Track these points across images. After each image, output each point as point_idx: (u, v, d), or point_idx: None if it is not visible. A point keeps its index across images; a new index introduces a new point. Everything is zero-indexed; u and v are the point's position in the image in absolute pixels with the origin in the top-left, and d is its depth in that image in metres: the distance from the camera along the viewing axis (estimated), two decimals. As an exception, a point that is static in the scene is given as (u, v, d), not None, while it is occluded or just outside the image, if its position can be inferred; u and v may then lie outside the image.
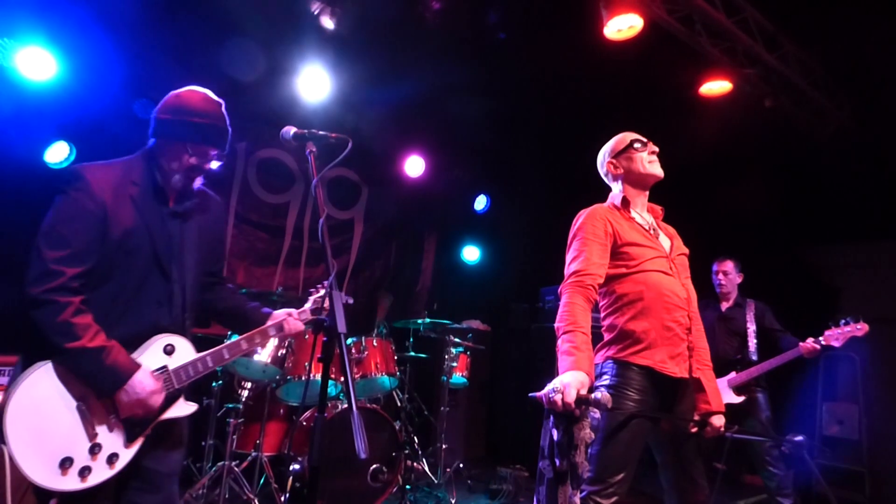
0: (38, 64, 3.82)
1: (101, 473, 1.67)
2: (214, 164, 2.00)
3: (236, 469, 3.55)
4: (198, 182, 1.99)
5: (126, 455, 1.72)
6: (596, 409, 1.74)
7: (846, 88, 5.07)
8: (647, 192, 2.39)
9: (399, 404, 4.64)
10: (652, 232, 2.30)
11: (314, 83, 4.78)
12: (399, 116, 5.41)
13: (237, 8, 4.07)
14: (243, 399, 3.82)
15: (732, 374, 3.84)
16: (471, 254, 6.86)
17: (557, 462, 1.71)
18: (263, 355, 3.65)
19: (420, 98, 5.05)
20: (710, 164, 5.47)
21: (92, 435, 1.67)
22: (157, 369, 1.81)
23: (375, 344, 4.05)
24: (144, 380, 1.73)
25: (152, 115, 1.96)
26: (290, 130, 1.88)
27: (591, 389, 1.84)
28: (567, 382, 1.74)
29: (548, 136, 5.92)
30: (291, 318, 2.16)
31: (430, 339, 5.02)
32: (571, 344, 1.90)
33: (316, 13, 4.25)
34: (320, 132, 1.87)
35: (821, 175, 5.32)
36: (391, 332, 4.61)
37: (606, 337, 2.22)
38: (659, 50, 4.22)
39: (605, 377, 2.15)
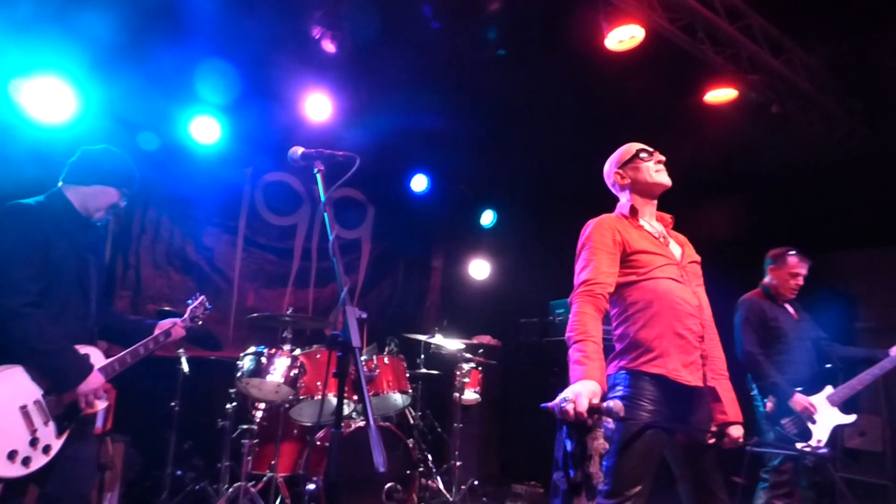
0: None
1: (40, 460, 2.04)
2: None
3: (252, 490, 3.53)
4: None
5: (57, 444, 2.10)
6: (609, 419, 1.72)
7: (855, 92, 5.04)
8: (656, 201, 2.38)
9: (412, 422, 4.60)
10: (662, 240, 2.28)
11: (317, 106, 4.85)
12: (402, 135, 5.46)
13: (240, 35, 4.16)
14: (257, 420, 3.81)
15: (830, 389, 3.34)
16: (479, 269, 6.84)
17: (572, 473, 1.69)
18: (276, 376, 3.65)
19: (423, 115, 5.09)
20: (718, 173, 5.46)
21: (32, 430, 2.03)
22: None
23: (387, 361, 4.04)
24: (97, 374, 2.17)
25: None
26: (298, 151, 1.92)
27: (604, 398, 1.82)
28: (578, 392, 1.73)
29: (553, 150, 5.93)
30: (177, 326, 2.58)
31: (441, 356, 5.00)
32: (582, 353, 1.89)
33: (317, 38, 4.32)
34: (327, 151, 1.90)
35: (832, 180, 5.28)
36: (402, 349, 4.60)
37: (618, 347, 2.19)
38: (662, 59, 4.24)
39: (618, 388, 2.12)
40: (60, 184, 2.29)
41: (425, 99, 4.92)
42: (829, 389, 3.34)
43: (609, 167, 2.45)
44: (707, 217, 4.94)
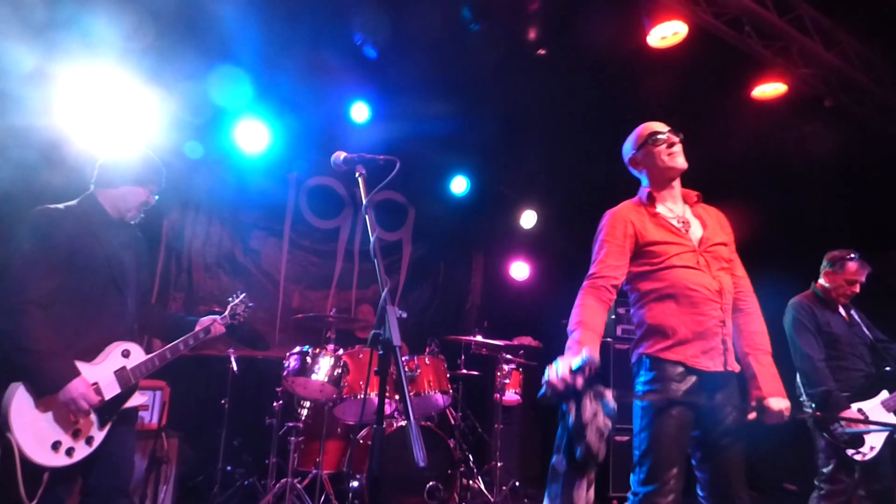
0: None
1: (83, 451, 2.11)
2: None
3: (298, 486, 3.62)
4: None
5: (100, 436, 2.16)
6: (610, 397, 1.70)
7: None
8: (676, 182, 2.31)
9: (453, 422, 4.63)
10: (680, 224, 2.23)
11: (359, 111, 4.95)
12: (443, 137, 5.50)
13: (283, 43, 4.27)
14: (303, 418, 3.91)
15: (885, 394, 3.18)
16: (520, 270, 6.82)
17: (578, 451, 1.66)
18: (321, 375, 3.74)
19: (463, 118, 5.12)
20: (768, 169, 5.28)
21: (73, 422, 2.10)
22: (118, 369, 2.24)
23: (428, 362, 4.08)
24: (80, 382, 2.11)
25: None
26: (341, 156, 1.97)
27: (598, 379, 1.80)
28: (556, 363, 1.79)
29: (594, 150, 5.86)
30: (216, 323, 2.60)
31: (481, 357, 5.01)
32: (574, 339, 1.96)
33: (359, 44, 4.40)
34: (368, 155, 1.95)
35: (890, 175, 5.03)
36: (443, 350, 4.64)
37: (638, 333, 2.21)
38: (707, 55, 4.14)
39: (641, 374, 2.13)
40: (92, 187, 2.36)
41: (465, 101, 4.94)
42: (884, 394, 3.18)
43: (626, 151, 2.40)
44: (758, 214, 4.78)
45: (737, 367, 2.12)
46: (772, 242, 5.55)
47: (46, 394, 2.06)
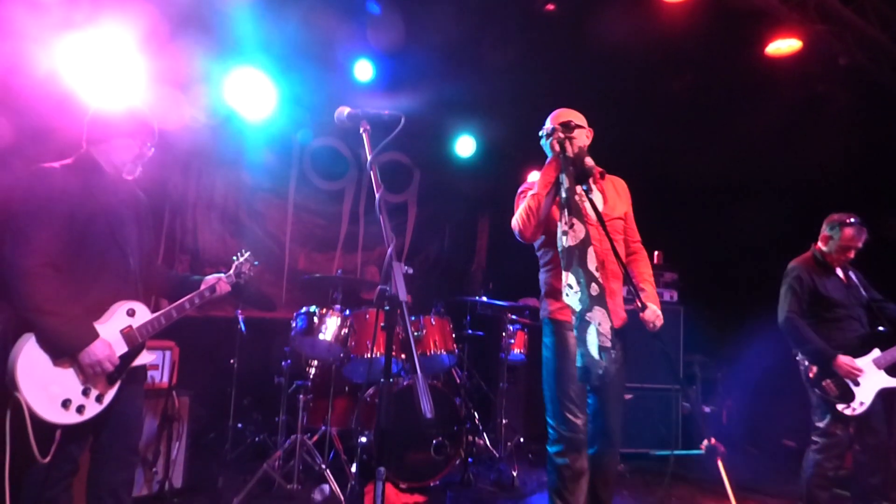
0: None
1: (94, 409, 2.11)
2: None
3: (308, 442, 3.71)
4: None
5: (109, 394, 2.16)
6: None
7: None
8: (579, 165, 2.50)
9: (458, 381, 4.70)
10: (579, 199, 2.46)
11: (364, 70, 4.86)
12: (448, 97, 5.41)
13: (288, 2, 4.16)
14: (311, 377, 3.98)
15: (877, 352, 3.23)
16: (525, 232, 6.79)
17: None
18: (328, 335, 3.78)
19: (469, 78, 5.02)
20: (780, 128, 5.18)
21: (83, 381, 2.09)
22: (124, 328, 2.22)
23: (433, 322, 4.12)
24: (101, 343, 2.11)
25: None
26: (345, 111, 1.94)
27: None
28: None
29: (602, 109, 5.76)
30: (221, 281, 2.58)
31: (486, 318, 5.05)
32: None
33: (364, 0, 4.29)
34: (373, 111, 1.92)
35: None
36: (448, 311, 4.67)
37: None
38: (720, 9, 4.01)
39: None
40: (85, 145, 2.31)
41: (471, 61, 4.84)
42: (875, 352, 3.23)
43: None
44: (769, 173, 4.72)
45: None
46: (782, 204, 5.51)
47: (66, 355, 2.06)
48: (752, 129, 5.14)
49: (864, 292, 3.38)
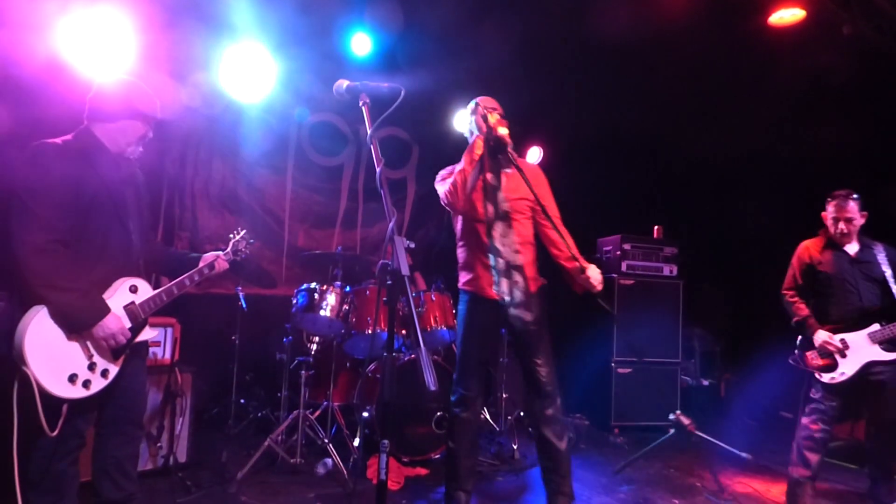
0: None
1: (99, 384, 2.15)
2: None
3: (311, 416, 3.75)
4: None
5: (114, 369, 2.20)
6: None
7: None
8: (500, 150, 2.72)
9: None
10: (494, 182, 2.75)
11: (361, 44, 4.77)
12: (446, 70, 5.34)
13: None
14: (312, 353, 4.00)
15: (876, 327, 3.25)
16: (525, 208, 6.77)
17: None
18: (328, 311, 3.80)
19: (466, 51, 4.94)
20: (783, 101, 5.13)
21: (89, 356, 2.13)
22: (127, 304, 2.25)
23: (434, 298, 4.13)
24: (114, 317, 2.17)
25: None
26: (343, 84, 1.92)
27: None
28: None
29: (600, 84, 5.70)
30: (220, 259, 2.61)
31: (487, 294, 5.05)
32: None
33: None
34: (372, 83, 1.89)
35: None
36: (448, 287, 4.68)
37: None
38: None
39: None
40: (86, 122, 2.29)
41: (470, 36, 4.76)
42: (874, 327, 3.26)
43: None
44: (777, 146, 4.65)
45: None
46: (784, 178, 5.48)
47: (81, 329, 2.10)
48: (755, 103, 5.09)
49: (881, 268, 3.35)
